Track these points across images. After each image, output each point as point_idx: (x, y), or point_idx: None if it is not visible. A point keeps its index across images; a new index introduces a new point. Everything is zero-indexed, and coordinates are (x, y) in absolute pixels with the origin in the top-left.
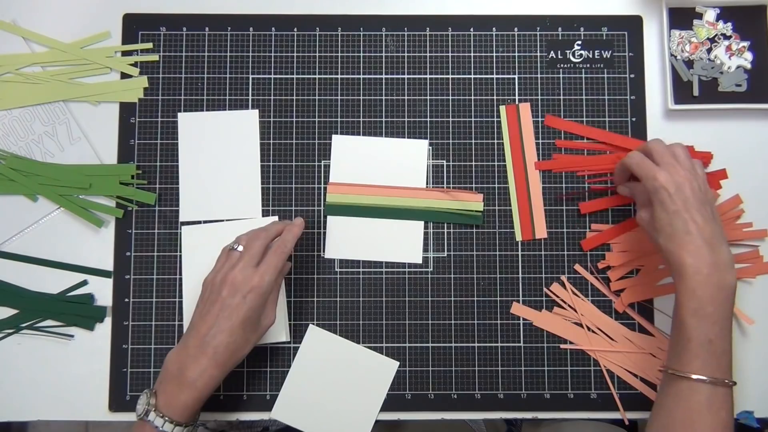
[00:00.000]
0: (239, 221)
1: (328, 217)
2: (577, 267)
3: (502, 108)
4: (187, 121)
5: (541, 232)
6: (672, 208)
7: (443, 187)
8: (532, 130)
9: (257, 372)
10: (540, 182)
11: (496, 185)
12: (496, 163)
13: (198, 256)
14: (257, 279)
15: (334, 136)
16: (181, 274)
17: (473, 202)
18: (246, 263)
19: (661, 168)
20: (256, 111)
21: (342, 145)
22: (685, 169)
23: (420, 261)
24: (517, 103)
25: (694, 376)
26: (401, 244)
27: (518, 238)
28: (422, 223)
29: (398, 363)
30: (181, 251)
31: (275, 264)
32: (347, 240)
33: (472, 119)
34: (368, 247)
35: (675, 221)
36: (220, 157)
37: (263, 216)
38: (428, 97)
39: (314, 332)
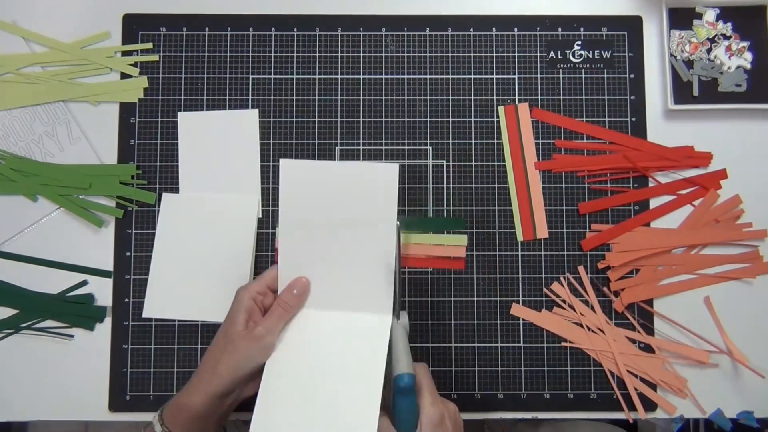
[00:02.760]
0: (224, 195)
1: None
2: (580, 269)
3: (501, 108)
4: (186, 121)
5: (543, 232)
6: None
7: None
8: (531, 131)
9: None
10: (540, 182)
11: (496, 185)
12: (496, 163)
13: (174, 225)
14: (240, 291)
15: (281, 161)
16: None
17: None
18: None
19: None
20: (256, 111)
21: (293, 174)
22: None
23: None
24: (516, 103)
25: None
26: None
27: (519, 238)
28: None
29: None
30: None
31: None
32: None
33: (472, 119)
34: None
35: None
36: (220, 157)
37: (262, 211)
38: (428, 97)
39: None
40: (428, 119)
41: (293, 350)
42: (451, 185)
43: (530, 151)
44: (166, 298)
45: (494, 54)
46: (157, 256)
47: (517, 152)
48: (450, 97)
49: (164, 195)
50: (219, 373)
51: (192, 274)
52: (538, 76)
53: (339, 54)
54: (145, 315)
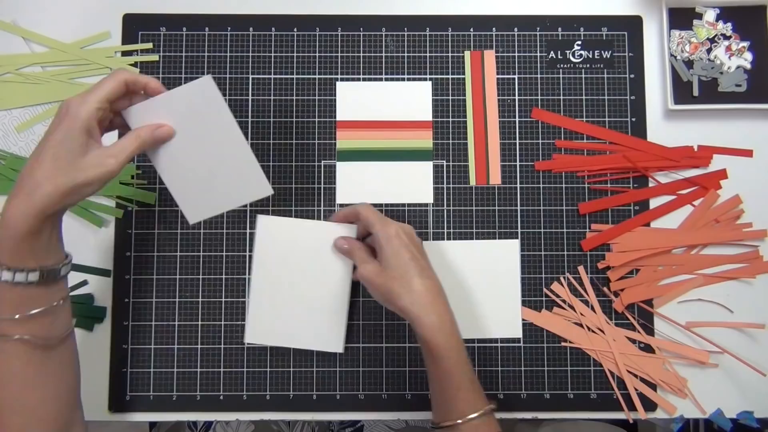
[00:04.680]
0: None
1: (338, 165)
2: (580, 269)
3: (467, 53)
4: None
5: (495, 178)
6: (406, 255)
7: None
8: (495, 78)
9: (257, 372)
10: (498, 133)
11: (496, 185)
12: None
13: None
14: (74, 105)
15: (338, 83)
16: (179, 273)
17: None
18: (85, 91)
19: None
20: (210, 76)
21: (346, 92)
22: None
23: (432, 200)
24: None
25: (470, 416)
26: (411, 184)
27: (472, 182)
28: (431, 163)
29: (356, 227)
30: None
31: (95, 102)
32: (358, 185)
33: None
34: (379, 191)
35: (411, 266)
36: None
37: (250, 227)
38: (428, 97)
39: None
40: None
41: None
42: (451, 185)
43: (492, 104)
44: (269, 324)
45: (494, 54)
46: (256, 279)
47: (478, 98)
48: (450, 97)
49: (259, 217)
50: (47, 191)
51: (291, 300)
52: (538, 76)
53: (339, 54)
54: (247, 341)
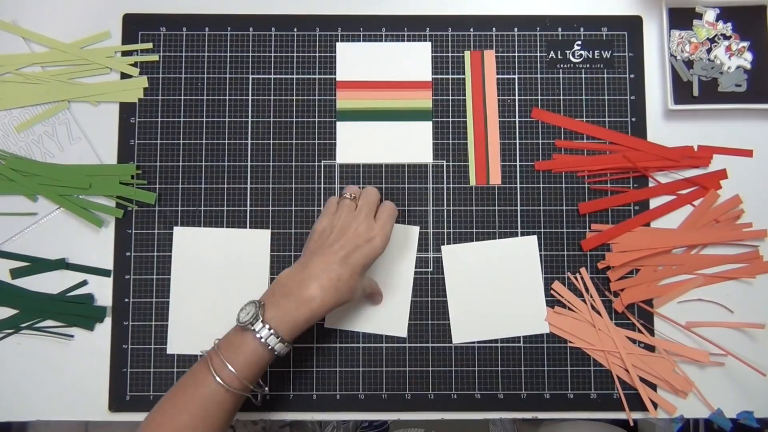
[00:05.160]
0: (231, 230)
1: (338, 124)
2: (581, 269)
3: (467, 53)
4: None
5: (495, 178)
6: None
7: None
8: (495, 78)
9: None
10: (498, 133)
11: (497, 184)
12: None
13: (188, 258)
14: (378, 230)
15: (338, 44)
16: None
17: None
18: (367, 214)
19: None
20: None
21: (347, 53)
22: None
23: (431, 160)
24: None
25: None
26: (410, 145)
27: (472, 182)
28: (431, 123)
29: (419, 227)
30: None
31: (391, 222)
32: (357, 145)
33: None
34: (378, 151)
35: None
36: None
37: (250, 227)
38: (429, 97)
39: None
40: (429, 119)
41: None
42: (451, 185)
43: (492, 103)
44: (189, 334)
45: (494, 54)
46: (175, 290)
47: (478, 95)
48: (450, 97)
49: (176, 228)
50: (358, 294)
51: (210, 308)
52: (538, 76)
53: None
54: (169, 352)
